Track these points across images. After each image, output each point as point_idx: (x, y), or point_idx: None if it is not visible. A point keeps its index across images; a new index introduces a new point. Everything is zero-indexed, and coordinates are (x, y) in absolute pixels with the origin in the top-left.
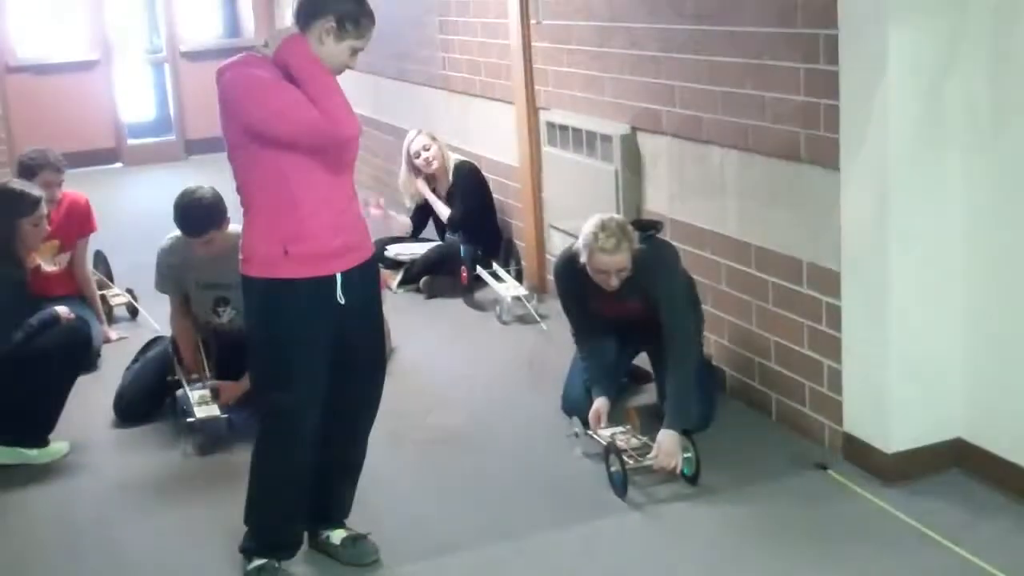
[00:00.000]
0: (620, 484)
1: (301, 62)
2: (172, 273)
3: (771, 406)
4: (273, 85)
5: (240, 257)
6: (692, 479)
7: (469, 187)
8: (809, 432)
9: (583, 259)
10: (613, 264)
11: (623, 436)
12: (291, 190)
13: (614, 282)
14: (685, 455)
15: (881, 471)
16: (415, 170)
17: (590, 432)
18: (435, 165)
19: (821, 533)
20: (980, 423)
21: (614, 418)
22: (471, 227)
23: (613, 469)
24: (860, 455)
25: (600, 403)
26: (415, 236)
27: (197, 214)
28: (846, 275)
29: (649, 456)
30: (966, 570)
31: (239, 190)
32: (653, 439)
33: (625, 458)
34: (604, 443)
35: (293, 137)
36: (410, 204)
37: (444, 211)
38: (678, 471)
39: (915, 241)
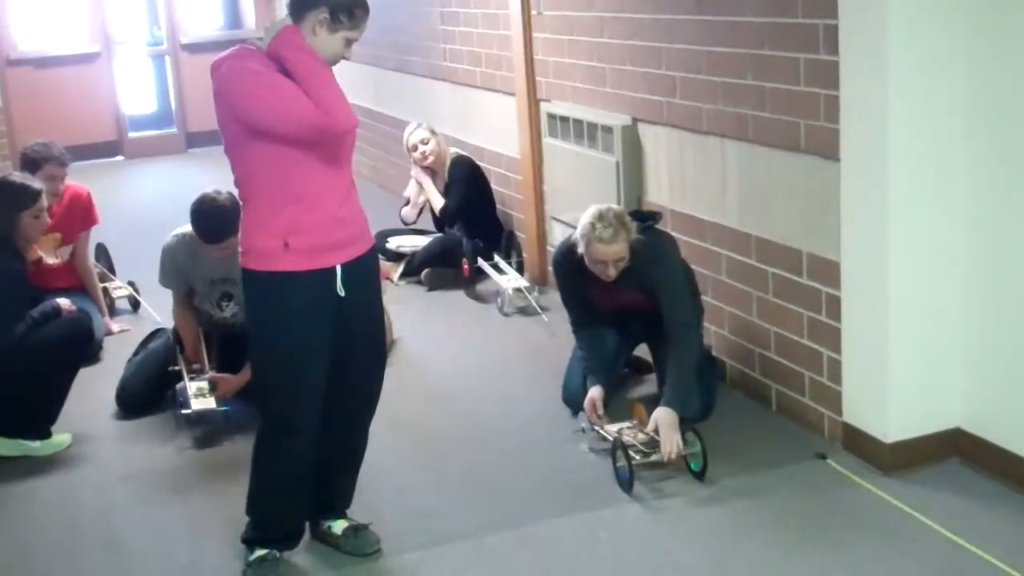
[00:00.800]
0: (626, 480)
1: (295, 54)
2: (179, 270)
3: (771, 396)
4: (268, 79)
5: (240, 250)
6: (699, 474)
7: (462, 178)
8: (809, 422)
9: (581, 249)
10: (610, 254)
11: (630, 431)
12: (290, 183)
13: (612, 272)
14: (692, 449)
15: (880, 461)
16: (413, 161)
17: (597, 427)
18: (431, 159)
19: (820, 522)
20: (979, 413)
21: (619, 413)
22: (471, 219)
23: (619, 464)
24: (859, 445)
25: (595, 391)
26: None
27: (216, 218)
28: (846, 266)
29: (649, 430)
30: (964, 559)
31: (237, 183)
32: (659, 434)
33: (632, 453)
34: (611, 438)
35: (289, 131)
36: (412, 208)
37: (438, 201)
38: (682, 450)
39: (915, 231)
